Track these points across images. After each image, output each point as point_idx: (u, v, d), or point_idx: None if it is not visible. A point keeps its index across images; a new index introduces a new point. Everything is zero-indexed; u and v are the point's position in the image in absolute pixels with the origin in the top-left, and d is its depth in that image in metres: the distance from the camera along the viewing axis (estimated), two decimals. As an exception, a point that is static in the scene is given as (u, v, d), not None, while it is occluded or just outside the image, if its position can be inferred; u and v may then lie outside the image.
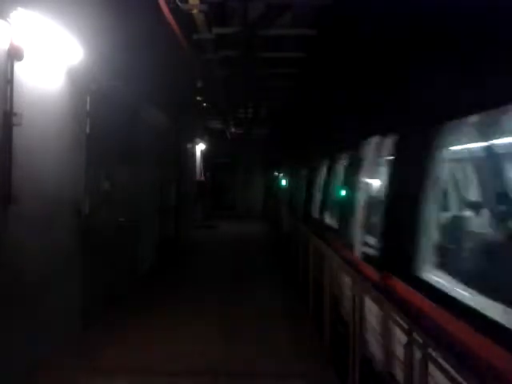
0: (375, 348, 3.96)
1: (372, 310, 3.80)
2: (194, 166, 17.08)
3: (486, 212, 3.23)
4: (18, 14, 3.98)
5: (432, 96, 3.64)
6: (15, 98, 4.04)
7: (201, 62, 7.55)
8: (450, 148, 3.49)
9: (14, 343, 4.11)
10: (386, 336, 3.45)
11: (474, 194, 3.67)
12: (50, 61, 4.82)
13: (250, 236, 16.03)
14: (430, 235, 3.28)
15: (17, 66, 4.08)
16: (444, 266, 3.03)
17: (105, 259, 6.47)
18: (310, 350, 5.35)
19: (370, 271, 4.23)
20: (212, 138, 19.05)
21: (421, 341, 2.55)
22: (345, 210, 6.12)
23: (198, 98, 11.17)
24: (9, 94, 3.97)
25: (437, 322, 2.76)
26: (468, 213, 3.58)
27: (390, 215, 4.08)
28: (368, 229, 4.90)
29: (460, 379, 2.14)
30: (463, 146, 3.54)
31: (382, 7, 4.53)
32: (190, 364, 4.92)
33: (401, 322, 2.90)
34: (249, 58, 7.39)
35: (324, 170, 8.60)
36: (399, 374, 3.15)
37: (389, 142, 4.50)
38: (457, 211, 3.79)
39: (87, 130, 5.79)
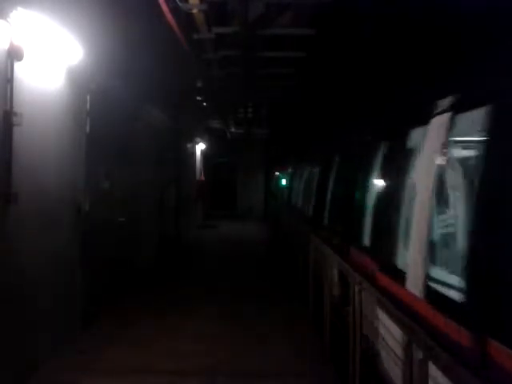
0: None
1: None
2: (194, 166, 17.08)
3: None
4: (18, 14, 3.98)
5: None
6: (15, 98, 4.04)
7: (201, 61, 7.56)
8: None
9: (13, 343, 4.12)
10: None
11: None
12: (50, 60, 4.83)
13: (250, 236, 16.00)
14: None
15: (17, 65, 4.08)
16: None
17: (105, 258, 6.47)
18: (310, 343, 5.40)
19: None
20: (212, 138, 19.04)
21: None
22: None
23: (198, 98, 11.17)
24: (9, 93, 3.97)
25: None
26: None
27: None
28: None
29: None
30: None
31: (381, 7, 4.54)
32: (190, 361, 4.93)
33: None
34: (249, 58, 7.39)
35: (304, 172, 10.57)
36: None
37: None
38: None
39: (87, 130, 5.80)
